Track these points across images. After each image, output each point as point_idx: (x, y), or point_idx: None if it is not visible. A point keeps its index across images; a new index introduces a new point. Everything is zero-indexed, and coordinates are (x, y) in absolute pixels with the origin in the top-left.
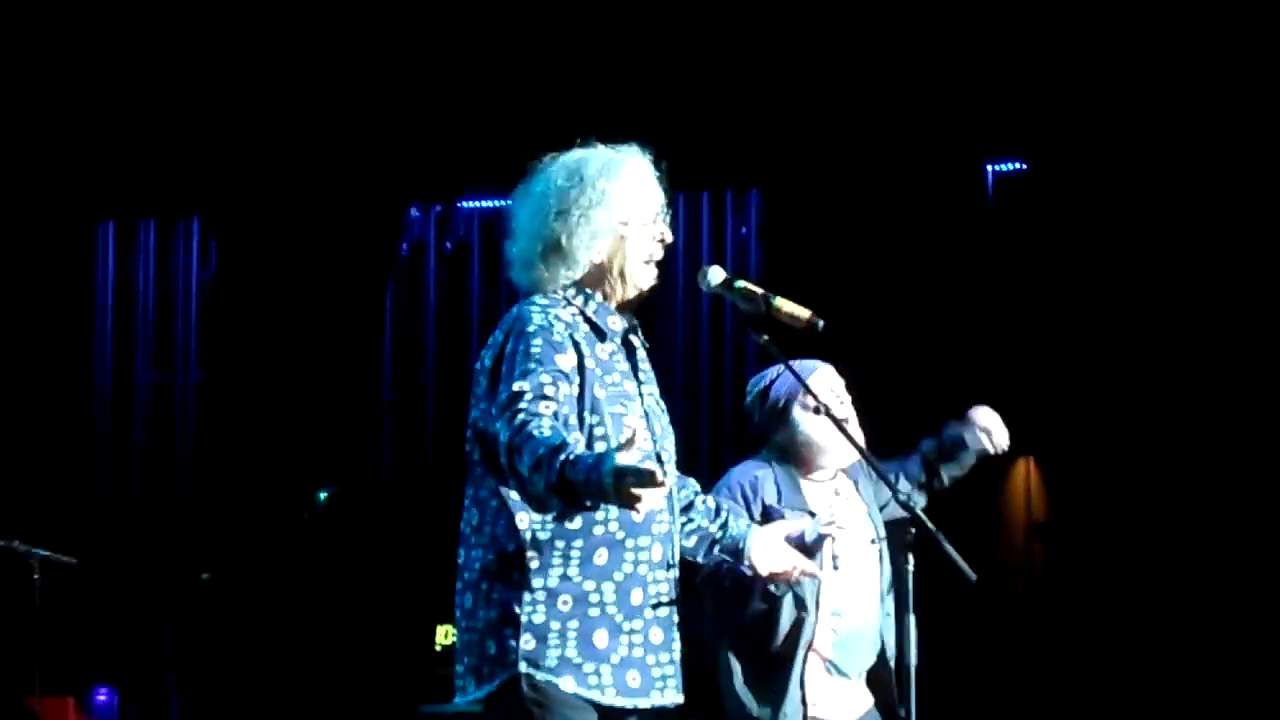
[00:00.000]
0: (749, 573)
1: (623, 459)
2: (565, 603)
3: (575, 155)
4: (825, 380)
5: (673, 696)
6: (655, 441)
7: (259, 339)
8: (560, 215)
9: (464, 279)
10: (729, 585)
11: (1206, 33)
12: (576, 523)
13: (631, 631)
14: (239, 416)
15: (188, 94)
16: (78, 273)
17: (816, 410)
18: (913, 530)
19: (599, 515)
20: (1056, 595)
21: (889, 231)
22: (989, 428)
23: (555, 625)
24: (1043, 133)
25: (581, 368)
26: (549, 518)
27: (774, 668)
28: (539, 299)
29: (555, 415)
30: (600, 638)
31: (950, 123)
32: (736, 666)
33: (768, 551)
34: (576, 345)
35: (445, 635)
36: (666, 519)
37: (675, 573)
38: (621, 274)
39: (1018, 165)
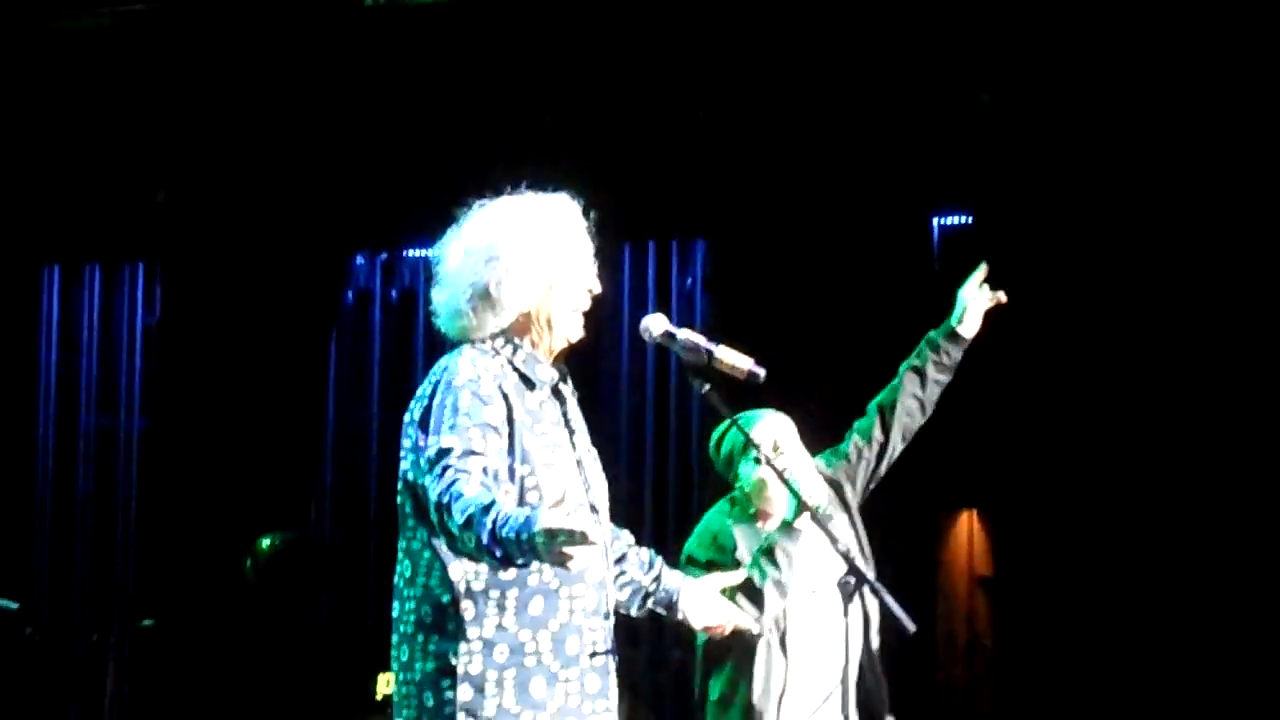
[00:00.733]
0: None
1: (549, 519)
2: (502, 653)
3: (504, 203)
4: (769, 428)
5: None
6: (588, 491)
7: (203, 385)
8: (489, 263)
9: (410, 327)
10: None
11: (1154, 86)
12: (511, 573)
13: (568, 680)
14: (182, 462)
15: (132, 139)
16: (21, 317)
17: (757, 460)
18: (851, 580)
19: (533, 565)
20: (1000, 649)
21: (835, 282)
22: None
23: (492, 675)
24: (988, 185)
25: (510, 419)
26: (482, 568)
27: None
28: (467, 349)
29: (485, 471)
30: (537, 687)
31: (896, 175)
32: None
33: (700, 606)
34: (505, 396)
35: (386, 684)
36: (601, 567)
37: (611, 621)
38: (549, 323)
39: (963, 218)
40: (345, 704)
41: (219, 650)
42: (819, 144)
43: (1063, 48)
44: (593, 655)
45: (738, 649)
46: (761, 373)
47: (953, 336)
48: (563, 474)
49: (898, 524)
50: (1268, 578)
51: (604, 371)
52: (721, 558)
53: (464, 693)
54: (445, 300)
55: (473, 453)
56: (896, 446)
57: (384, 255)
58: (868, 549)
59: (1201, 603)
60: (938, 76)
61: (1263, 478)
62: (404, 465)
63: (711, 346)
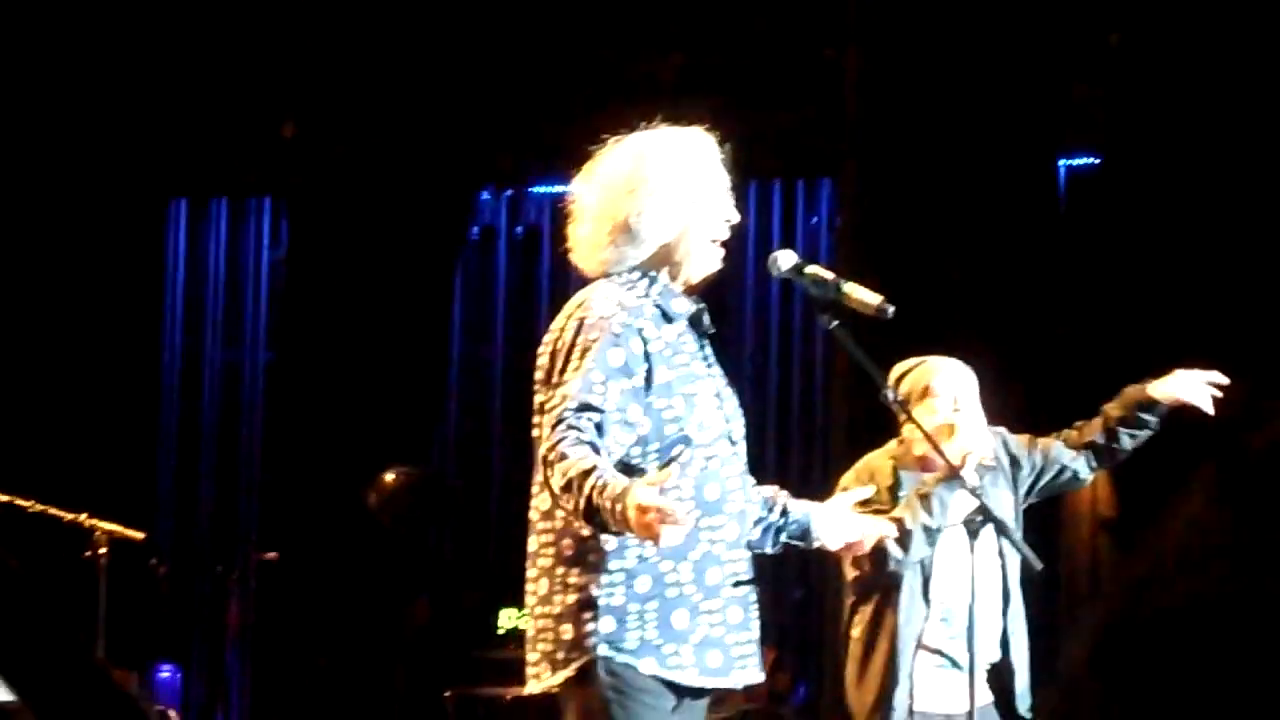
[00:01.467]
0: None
1: (645, 495)
2: (643, 584)
3: (642, 137)
4: (956, 380)
5: (753, 675)
6: (727, 421)
7: (328, 320)
8: (628, 195)
9: (534, 264)
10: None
11: None
12: None
13: (711, 611)
14: (307, 397)
15: (260, 73)
16: (149, 251)
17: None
18: (979, 519)
19: (673, 495)
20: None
21: (960, 224)
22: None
23: (634, 607)
24: (1117, 128)
25: (647, 354)
26: None
27: (885, 659)
28: (604, 284)
29: (598, 428)
30: (680, 618)
31: (1023, 116)
32: (850, 664)
33: (834, 526)
34: (640, 331)
35: (509, 618)
36: (740, 497)
37: (750, 551)
38: (688, 255)
39: (1091, 161)
40: (468, 638)
41: (342, 585)
42: (946, 84)
43: None
44: (735, 586)
45: (883, 589)
46: (890, 309)
47: (1149, 404)
48: (703, 405)
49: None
50: None
51: (729, 311)
52: (875, 496)
53: (606, 625)
54: (584, 234)
55: (589, 407)
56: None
57: (509, 191)
58: (1019, 529)
59: None
60: (1067, 16)
61: None
62: (539, 397)
63: (840, 280)
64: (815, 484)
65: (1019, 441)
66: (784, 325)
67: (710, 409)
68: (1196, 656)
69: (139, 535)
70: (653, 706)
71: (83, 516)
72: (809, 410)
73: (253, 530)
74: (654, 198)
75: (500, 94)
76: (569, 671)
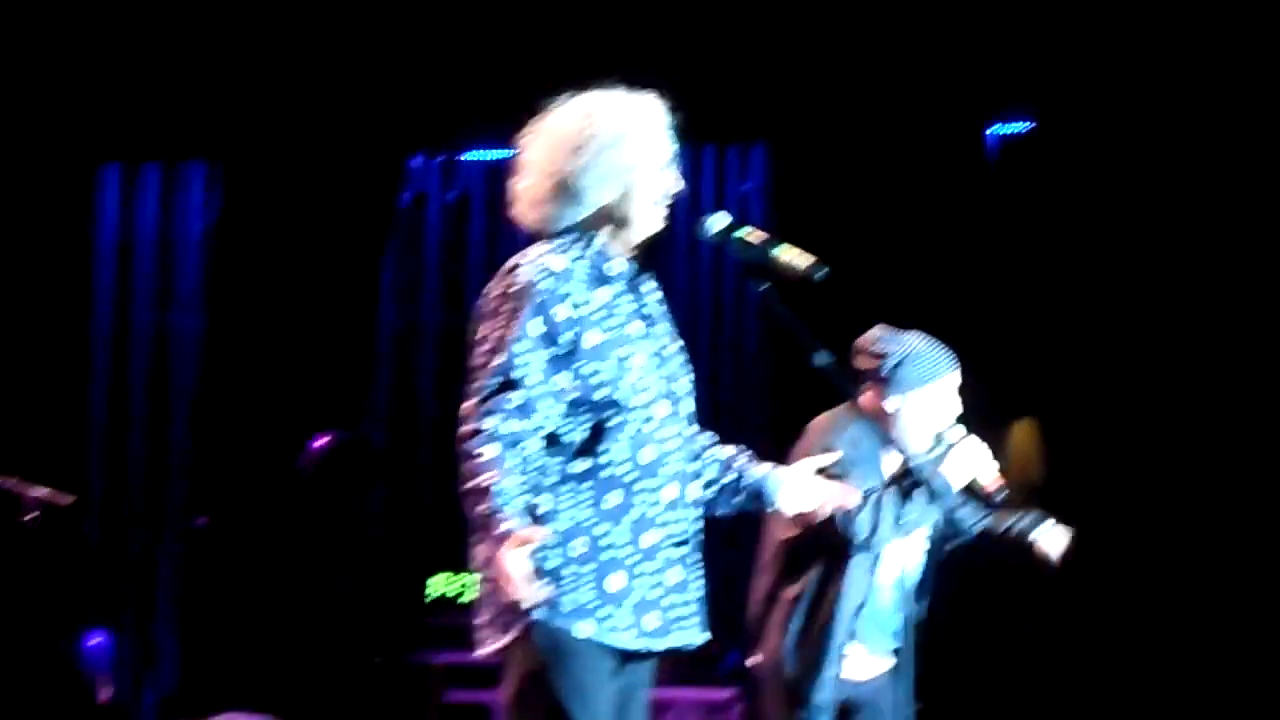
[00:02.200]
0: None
1: (513, 559)
2: (578, 547)
3: (592, 96)
4: (945, 387)
5: (693, 637)
6: (668, 381)
7: (259, 286)
8: (573, 153)
9: (465, 231)
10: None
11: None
12: (583, 465)
13: (647, 573)
14: (238, 363)
15: (194, 38)
16: (79, 215)
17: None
18: (907, 481)
19: (606, 458)
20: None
21: (892, 190)
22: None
23: (570, 570)
24: (1049, 92)
25: (576, 319)
26: (554, 461)
27: (822, 628)
28: (538, 247)
29: (522, 408)
30: (616, 580)
31: (954, 81)
32: (792, 626)
33: (793, 492)
34: (567, 296)
35: (438, 585)
36: (680, 458)
37: (695, 511)
38: (629, 218)
39: (1023, 126)
40: (399, 605)
41: (272, 551)
42: (876, 50)
43: None
44: (674, 547)
45: (826, 555)
46: (822, 271)
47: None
48: (638, 367)
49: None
50: None
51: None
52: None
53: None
54: (525, 189)
55: (512, 383)
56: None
57: (441, 157)
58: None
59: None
60: None
61: None
62: (472, 361)
63: (770, 243)
64: (745, 445)
65: None
66: (716, 292)
67: (647, 370)
68: None
69: (68, 499)
70: (592, 669)
71: (12, 481)
72: (741, 374)
73: (183, 496)
74: (598, 158)
75: (433, 60)
76: (511, 636)
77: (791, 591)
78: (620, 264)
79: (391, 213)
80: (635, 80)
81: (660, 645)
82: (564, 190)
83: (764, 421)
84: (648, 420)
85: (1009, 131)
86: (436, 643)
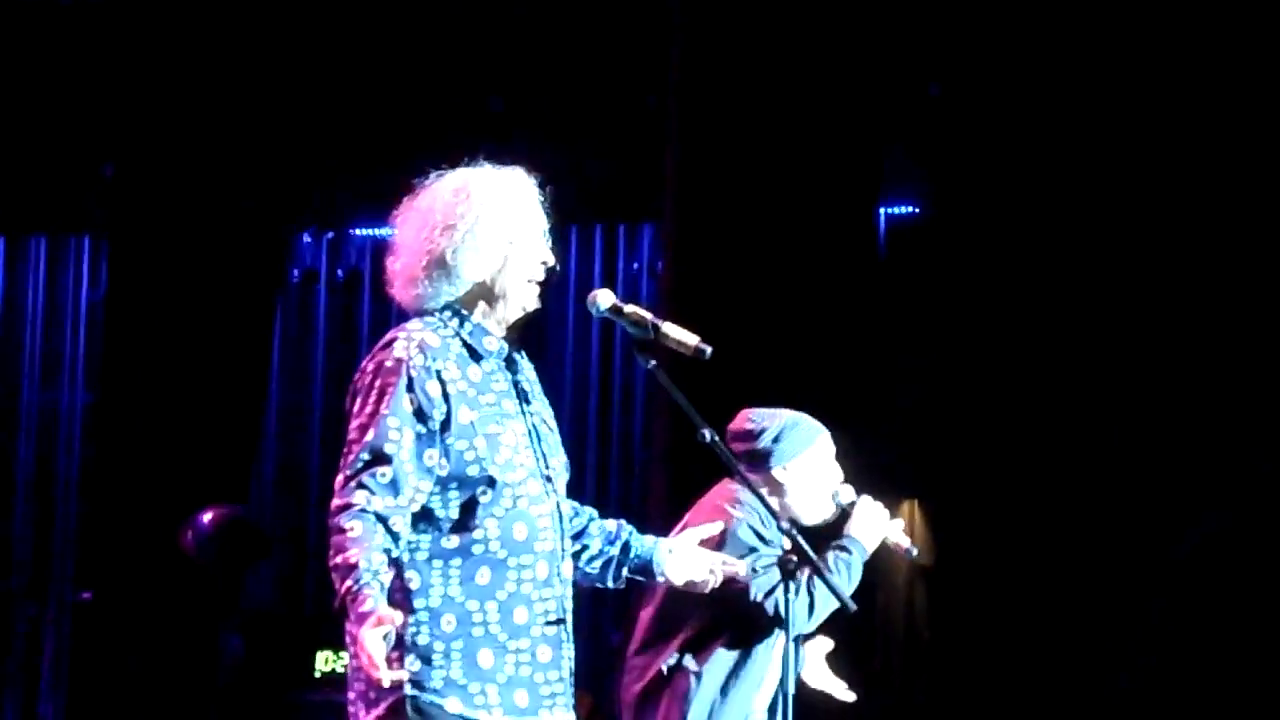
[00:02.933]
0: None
1: (371, 639)
2: (449, 623)
3: (462, 173)
4: (824, 449)
5: (562, 715)
6: (541, 460)
7: (147, 361)
8: (445, 231)
9: (355, 307)
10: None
11: (1106, 76)
12: (455, 541)
13: (518, 650)
14: (125, 438)
15: (79, 111)
16: None
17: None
18: (794, 559)
19: (478, 534)
20: (940, 638)
21: (781, 271)
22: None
23: (439, 646)
24: (937, 177)
25: (446, 394)
26: (425, 538)
27: (741, 706)
28: (412, 323)
29: (392, 484)
30: (485, 657)
31: (844, 165)
32: (710, 682)
33: (680, 562)
34: (438, 374)
35: (325, 660)
36: (552, 536)
37: (565, 589)
38: (504, 293)
39: (911, 209)
40: (285, 680)
41: (158, 625)
42: (767, 133)
43: (1012, 38)
44: (545, 625)
45: (744, 632)
46: (708, 349)
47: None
48: (509, 444)
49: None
50: (1204, 572)
51: (549, 354)
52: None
53: (411, 664)
54: (400, 268)
55: (382, 458)
56: None
57: (330, 234)
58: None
59: (1137, 596)
60: (888, 66)
61: (1190, 472)
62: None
63: (658, 321)
64: (631, 517)
65: None
66: (604, 367)
67: (519, 447)
68: None
69: None
70: None
71: None
72: (628, 448)
73: (68, 570)
74: (470, 235)
75: (321, 136)
76: (380, 710)
77: (696, 662)
78: (494, 341)
79: (280, 289)
80: (527, 157)
81: None
82: (438, 267)
83: (653, 495)
84: (519, 498)
85: (897, 214)
86: (322, 719)
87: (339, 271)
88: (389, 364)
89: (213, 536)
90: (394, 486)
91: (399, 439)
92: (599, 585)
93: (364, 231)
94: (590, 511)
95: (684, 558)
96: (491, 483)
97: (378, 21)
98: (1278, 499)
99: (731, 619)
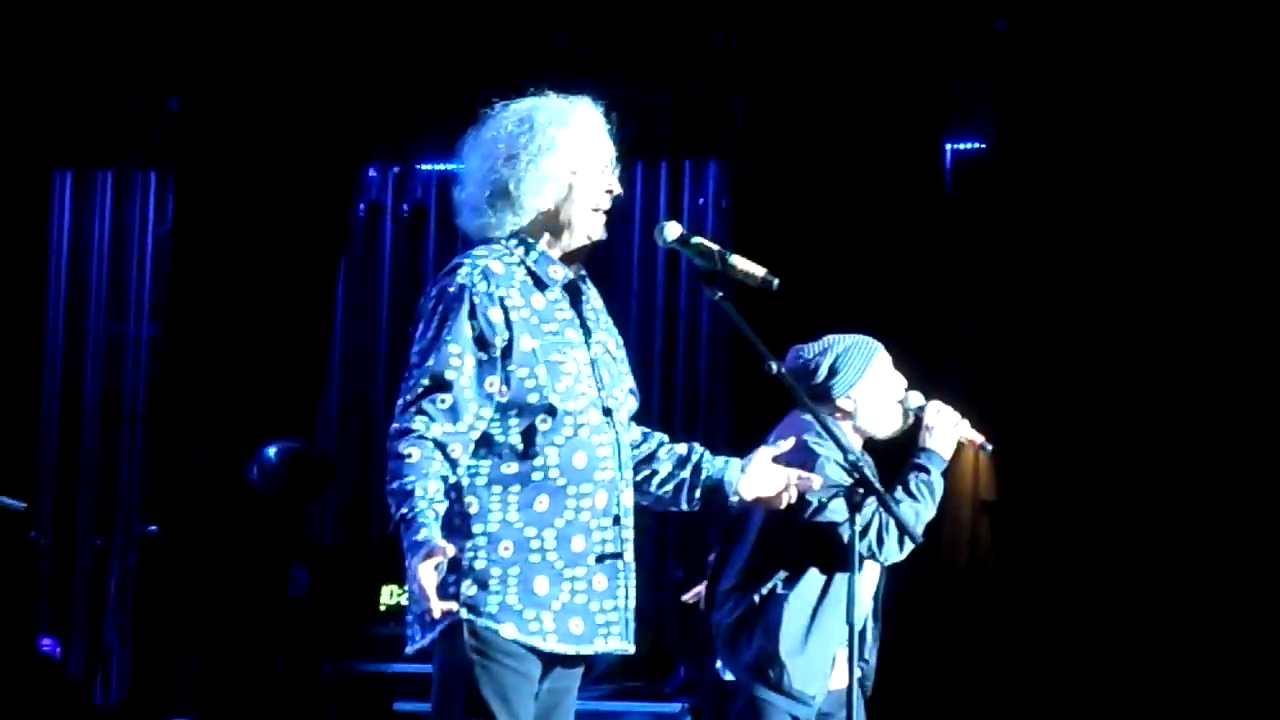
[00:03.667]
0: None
1: (424, 569)
2: (506, 548)
3: (526, 103)
4: (882, 365)
5: (618, 644)
6: (602, 389)
7: (213, 294)
8: (509, 161)
9: (420, 242)
10: None
11: (1173, 13)
12: (514, 468)
13: (574, 578)
14: (190, 371)
15: (147, 43)
16: (32, 221)
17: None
18: (860, 491)
19: (537, 461)
20: (1003, 573)
21: (848, 206)
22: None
23: (496, 571)
24: (1003, 113)
25: (509, 322)
26: (485, 463)
27: (829, 634)
28: (477, 251)
29: (452, 410)
30: (541, 584)
31: (911, 100)
32: (801, 608)
33: (753, 479)
34: (501, 300)
35: (390, 594)
36: (612, 465)
37: (626, 520)
38: (569, 223)
39: (978, 145)
40: (351, 613)
41: (223, 559)
42: (833, 67)
43: None
44: (602, 553)
45: (821, 557)
46: (775, 281)
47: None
48: (571, 373)
49: (901, 447)
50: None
51: (615, 287)
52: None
53: (468, 588)
54: (465, 198)
55: (442, 384)
56: None
57: (396, 169)
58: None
59: (1197, 535)
60: (954, 2)
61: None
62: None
63: (725, 252)
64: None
65: None
66: (669, 303)
67: (580, 376)
68: None
69: (20, 506)
70: (515, 670)
71: None
72: (693, 383)
73: (134, 504)
74: (533, 165)
75: (387, 70)
76: (435, 633)
77: (793, 589)
78: (559, 270)
79: (346, 223)
80: (592, 91)
81: (585, 650)
82: (501, 197)
83: (719, 428)
84: (580, 427)
85: (964, 149)
86: (388, 653)
87: (404, 206)
88: (452, 290)
89: (278, 469)
90: (453, 412)
91: (460, 365)
92: (673, 509)
93: (429, 166)
94: (660, 436)
95: (757, 474)
96: (552, 411)
97: None
98: None
99: (825, 551)
